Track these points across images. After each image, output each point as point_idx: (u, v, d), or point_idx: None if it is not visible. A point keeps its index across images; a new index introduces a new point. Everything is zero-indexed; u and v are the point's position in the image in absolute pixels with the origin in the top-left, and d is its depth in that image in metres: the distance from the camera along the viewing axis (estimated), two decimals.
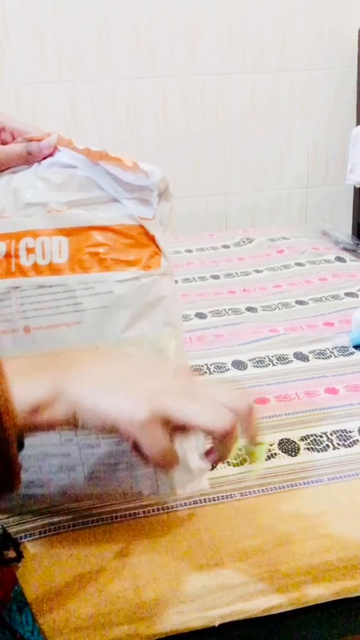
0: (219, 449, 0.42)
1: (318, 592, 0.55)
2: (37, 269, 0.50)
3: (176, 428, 0.41)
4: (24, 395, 0.38)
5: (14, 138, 0.58)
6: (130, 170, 0.50)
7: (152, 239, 0.53)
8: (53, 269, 0.50)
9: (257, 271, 1.33)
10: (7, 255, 0.50)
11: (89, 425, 0.40)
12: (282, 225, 1.84)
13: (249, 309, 1.11)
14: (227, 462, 0.67)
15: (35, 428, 0.40)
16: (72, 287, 0.50)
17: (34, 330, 0.51)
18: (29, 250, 0.50)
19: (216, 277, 1.30)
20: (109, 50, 1.75)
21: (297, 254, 1.42)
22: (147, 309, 0.52)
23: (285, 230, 1.63)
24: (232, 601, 0.53)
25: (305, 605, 0.55)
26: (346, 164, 1.68)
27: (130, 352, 0.51)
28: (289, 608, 0.55)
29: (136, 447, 0.42)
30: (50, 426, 0.40)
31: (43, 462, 0.53)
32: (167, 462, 0.41)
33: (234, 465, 0.44)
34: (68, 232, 0.51)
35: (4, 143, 0.58)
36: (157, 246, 0.53)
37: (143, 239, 0.52)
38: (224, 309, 1.11)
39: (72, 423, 0.40)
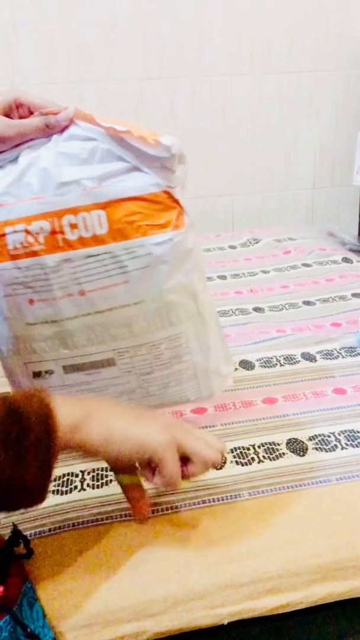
0: (196, 470, 0.52)
1: (327, 591, 0.55)
2: (82, 241, 0.56)
3: (182, 456, 0.51)
4: (63, 416, 0.46)
5: (31, 113, 0.59)
6: (152, 146, 0.55)
7: (176, 202, 0.58)
8: (97, 240, 0.56)
9: (264, 272, 1.33)
10: (53, 232, 0.56)
11: (118, 447, 0.48)
12: (289, 226, 1.83)
13: (256, 309, 1.12)
14: (237, 462, 0.68)
15: (71, 447, 0.47)
16: (116, 254, 0.57)
17: (88, 292, 0.58)
18: (73, 226, 0.56)
19: (223, 277, 1.30)
20: (117, 51, 1.75)
21: (304, 255, 1.42)
22: (180, 261, 0.59)
23: (292, 231, 1.63)
24: (241, 599, 0.54)
25: (314, 605, 0.55)
26: (353, 165, 1.68)
27: None
28: (298, 607, 0.55)
29: (145, 466, 0.52)
30: (83, 446, 0.48)
31: (106, 391, 0.63)
32: (176, 483, 0.50)
33: None
34: (104, 206, 0.56)
35: (22, 117, 0.59)
36: (181, 207, 0.59)
37: (169, 202, 0.58)
38: (231, 309, 1.11)
39: (102, 447, 0.48)
